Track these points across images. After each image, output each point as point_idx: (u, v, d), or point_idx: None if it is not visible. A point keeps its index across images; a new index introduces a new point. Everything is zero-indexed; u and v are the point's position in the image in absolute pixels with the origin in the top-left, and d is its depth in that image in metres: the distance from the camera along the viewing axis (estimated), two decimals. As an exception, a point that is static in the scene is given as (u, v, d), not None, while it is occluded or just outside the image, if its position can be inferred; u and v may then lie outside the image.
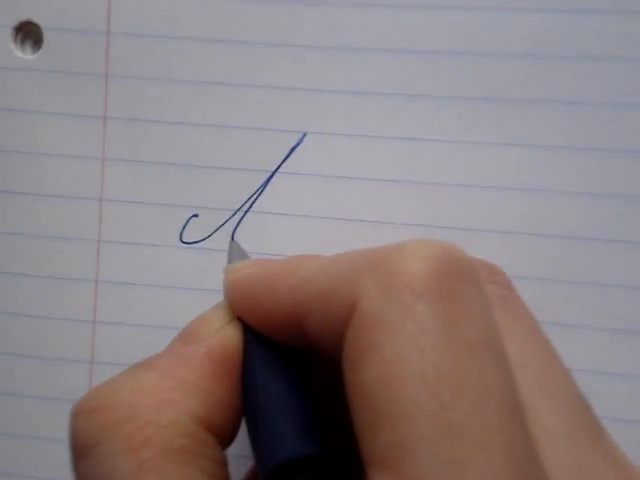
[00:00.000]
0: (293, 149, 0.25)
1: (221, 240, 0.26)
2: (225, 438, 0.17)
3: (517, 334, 0.17)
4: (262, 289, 0.18)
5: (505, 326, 0.16)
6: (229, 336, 0.19)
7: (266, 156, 0.25)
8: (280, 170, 0.25)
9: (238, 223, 0.25)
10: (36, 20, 0.26)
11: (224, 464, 0.17)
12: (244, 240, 0.25)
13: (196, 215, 0.26)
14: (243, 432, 0.18)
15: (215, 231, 0.26)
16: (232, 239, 0.24)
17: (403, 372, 0.14)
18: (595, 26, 0.24)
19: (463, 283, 0.15)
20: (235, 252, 0.22)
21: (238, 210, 0.25)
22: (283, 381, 0.18)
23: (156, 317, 0.26)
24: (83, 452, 0.16)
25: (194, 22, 0.25)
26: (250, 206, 0.25)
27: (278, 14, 0.25)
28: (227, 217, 0.26)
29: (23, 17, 0.26)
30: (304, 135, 0.25)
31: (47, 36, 0.26)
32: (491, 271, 0.20)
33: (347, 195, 0.25)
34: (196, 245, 0.26)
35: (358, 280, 0.15)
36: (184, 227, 0.26)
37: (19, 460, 0.26)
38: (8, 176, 0.26)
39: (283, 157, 0.25)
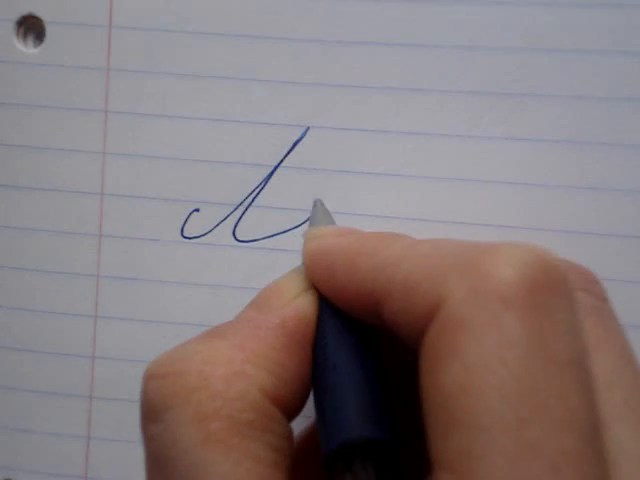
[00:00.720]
0: (296, 143, 0.25)
1: (222, 235, 0.25)
2: (292, 411, 0.17)
3: (607, 350, 0.16)
4: (343, 263, 0.18)
5: (595, 340, 0.16)
6: (304, 306, 0.18)
7: (268, 150, 0.25)
8: (282, 164, 0.25)
9: (240, 218, 0.25)
10: (38, 14, 0.26)
11: (289, 438, 0.17)
12: (244, 235, 0.25)
13: (197, 210, 0.26)
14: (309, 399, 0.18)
15: (216, 226, 0.25)
16: (318, 199, 0.23)
17: (483, 382, 0.13)
18: (599, 20, 0.24)
19: (555, 295, 0.14)
20: (319, 213, 0.22)
21: (240, 205, 0.25)
22: (355, 359, 0.17)
23: (157, 312, 0.26)
24: (153, 415, 0.16)
25: (196, 16, 0.25)
26: (252, 201, 0.25)
27: (280, 8, 0.25)
28: (229, 212, 0.25)
29: (25, 11, 0.26)
30: (307, 129, 0.25)
31: (49, 30, 0.26)
32: (586, 279, 0.19)
33: (350, 189, 0.25)
34: (197, 240, 0.26)
35: (446, 278, 0.15)
36: (185, 222, 0.26)
37: (20, 454, 0.26)
38: (9, 170, 0.26)
39: (285, 151, 0.25)
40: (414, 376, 0.18)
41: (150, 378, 0.17)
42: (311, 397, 0.18)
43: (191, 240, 0.26)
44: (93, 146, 0.26)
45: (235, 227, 0.25)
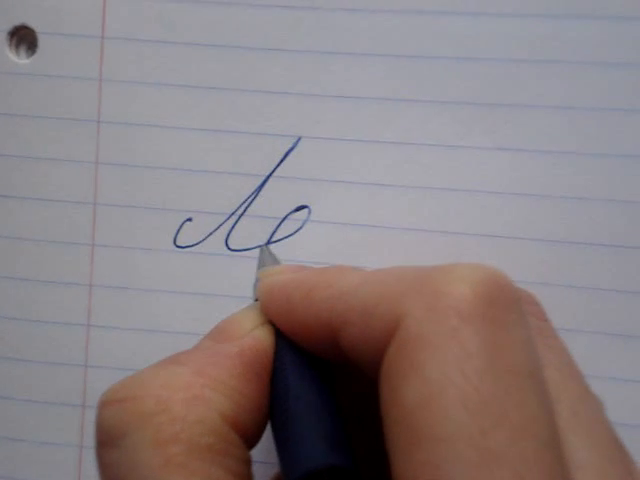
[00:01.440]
0: (287, 153, 0.25)
1: (215, 244, 0.26)
2: (251, 439, 0.17)
3: (552, 366, 0.17)
4: (298, 297, 0.18)
5: (542, 357, 0.16)
6: (261, 338, 0.19)
7: (260, 160, 0.25)
8: (274, 174, 0.25)
9: (232, 227, 0.25)
10: (31, 24, 0.26)
11: (248, 464, 0.17)
12: (237, 244, 0.25)
13: (190, 219, 0.26)
14: (266, 439, 0.18)
15: (209, 235, 0.26)
16: (264, 244, 0.25)
17: (445, 394, 0.14)
18: (589, 31, 0.24)
19: (510, 311, 0.15)
20: (267, 257, 0.23)
21: (232, 214, 0.26)
22: (313, 389, 0.18)
23: (150, 321, 0.26)
24: (110, 441, 0.16)
25: (188, 27, 0.25)
26: (244, 210, 0.25)
27: (272, 19, 0.25)
28: (221, 221, 0.26)
29: (18, 21, 0.26)
30: (298, 139, 0.25)
31: (42, 40, 0.26)
32: (528, 301, 0.19)
33: (341, 199, 0.25)
34: (190, 249, 0.26)
35: (403, 298, 0.15)
36: (178, 231, 0.26)
37: (12, 463, 0.26)
38: (2, 180, 0.26)
39: (277, 161, 0.25)
40: (368, 406, 0.18)
41: (105, 404, 0.17)
42: (268, 430, 0.18)
43: (184, 249, 0.26)
44: (86, 156, 0.26)
45: (227, 236, 0.26)
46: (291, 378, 0.18)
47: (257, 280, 0.21)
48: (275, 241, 0.25)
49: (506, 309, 0.15)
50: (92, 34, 0.26)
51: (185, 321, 0.26)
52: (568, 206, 0.24)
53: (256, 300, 0.21)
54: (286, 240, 0.25)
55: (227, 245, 0.26)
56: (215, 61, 0.25)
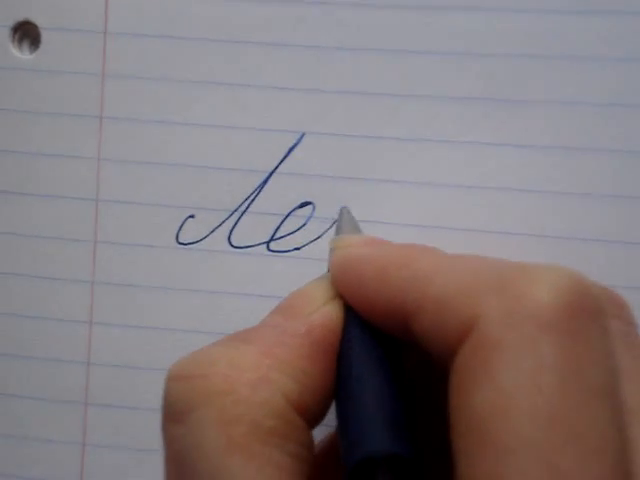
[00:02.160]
0: (291, 149, 0.25)
1: (218, 241, 0.25)
2: (314, 419, 0.17)
3: (635, 375, 0.16)
4: (372, 274, 0.18)
5: (624, 366, 0.16)
6: (330, 315, 0.18)
7: (264, 156, 0.25)
8: (277, 171, 0.25)
9: (235, 224, 0.25)
10: (34, 20, 0.26)
11: (310, 446, 0.17)
12: (239, 241, 0.25)
13: (193, 216, 0.26)
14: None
15: (212, 232, 0.25)
16: (344, 207, 0.23)
17: (516, 406, 0.13)
18: (593, 27, 0.24)
19: (591, 321, 0.14)
20: (345, 221, 0.22)
21: (235, 211, 0.25)
22: (380, 371, 0.17)
23: (153, 318, 0.26)
24: (176, 416, 0.17)
25: (192, 22, 0.25)
26: (247, 207, 0.25)
27: (276, 14, 0.25)
28: (224, 218, 0.25)
29: (21, 17, 0.26)
30: (302, 135, 0.25)
31: (45, 36, 0.26)
32: (615, 303, 0.19)
33: (345, 196, 0.25)
34: (193, 246, 0.26)
35: (480, 297, 0.15)
36: (180, 228, 0.26)
37: (15, 461, 0.26)
38: (4, 176, 0.26)
39: (281, 158, 0.25)
40: (437, 392, 0.18)
41: (173, 379, 0.17)
42: (332, 407, 0.18)
43: (186, 246, 0.26)
44: (88, 152, 0.26)
45: (230, 233, 0.25)
46: (356, 359, 0.18)
47: (331, 248, 0.20)
48: (278, 238, 0.25)
49: (588, 319, 0.14)
50: (95, 29, 0.26)
51: (187, 318, 0.25)
52: (574, 202, 0.24)
53: (329, 270, 0.20)
54: (290, 236, 0.25)
55: (230, 242, 0.25)
56: (218, 56, 0.25)
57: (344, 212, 0.22)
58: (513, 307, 0.14)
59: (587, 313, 0.14)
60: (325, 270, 0.21)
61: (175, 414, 0.17)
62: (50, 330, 0.26)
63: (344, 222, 0.22)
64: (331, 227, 0.25)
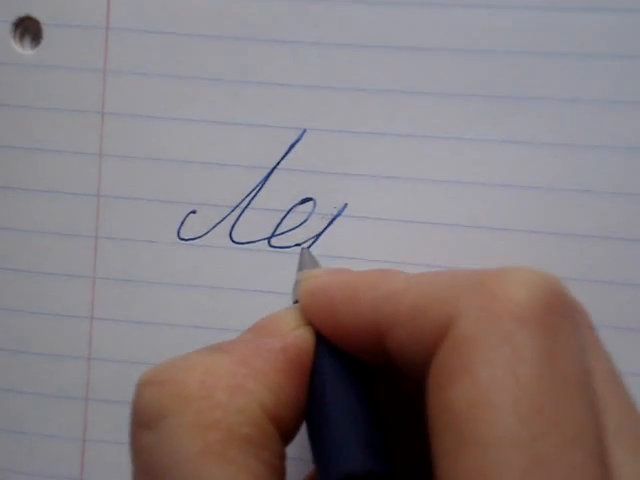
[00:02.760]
0: (292, 145, 0.25)
1: (219, 237, 0.25)
2: (287, 434, 0.17)
3: (599, 377, 0.16)
4: (342, 299, 0.18)
5: (590, 362, 0.16)
6: (303, 338, 0.18)
7: (265, 152, 0.25)
8: (279, 167, 0.25)
9: (237, 220, 0.25)
10: (35, 15, 0.26)
11: (283, 458, 0.17)
12: (241, 237, 0.25)
13: (194, 212, 0.26)
14: (299, 436, 0.18)
15: (213, 228, 0.25)
16: (304, 247, 0.25)
17: (496, 398, 0.13)
18: (594, 23, 0.24)
19: (565, 319, 0.15)
20: (306, 259, 0.23)
21: (237, 207, 0.25)
22: (351, 393, 0.18)
23: (154, 313, 0.26)
24: (147, 422, 0.16)
25: (193, 18, 0.25)
26: (249, 203, 0.25)
27: (278, 10, 0.25)
28: (225, 214, 0.25)
29: (22, 12, 0.26)
30: (303, 131, 0.25)
31: (46, 31, 0.26)
32: (579, 308, 0.19)
33: (346, 192, 0.25)
34: (194, 242, 0.26)
35: (457, 299, 0.15)
36: (182, 223, 0.26)
37: (16, 456, 0.26)
38: (6, 171, 0.26)
39: (282, 154, 0.25)
40: (407, 408, 0.18)
41: (146, 385, 0.17)
42: (303, 430, 0.18)
43: (188, 242, 0.26)
44: (90, 147, 0.26)
45: (232, 229, 0.25)
46: (329, 381, 0.18)
47: (297, 282, 0.21)
48: (279, 234, 0.25)
49: (561, 316, 0.15)
50: (97, 25, 0.26)
51: (189, 314, 0.25)
52: (574, 199, 0.24)
53: (295, 302, 0.21)
54: (291, 232, 0.25)
55: (231, 238, 0.25)
56: (220, 52, 0.25)
57: (304, 252, 0.23)
58: (489, 304, 0.15)
59: (561, 310, 0.15)
60: (291, 302, 0.22)
61: (146, 420, 0.16)
62: (51, 325, 0.26)
63: (305, 260, 0.23)
64: (331, 223, 0.25)
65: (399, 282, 0.17)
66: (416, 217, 0.25)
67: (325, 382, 0.18)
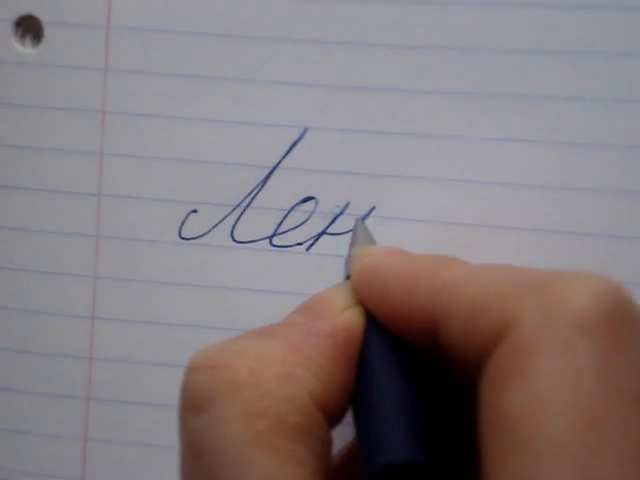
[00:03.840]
0: (294, 144, 0.25)
1: (220, 236, 0.25)
2: (334, 420, 0.17)
3: None
4: (398, 283, 0.18)
5: None
6: (353, 320, 0.18)
7: (266, 151, 0.25)
8: (280, 166, 0.25)
9: (238, 219, 0.25)
10: (36, 14, 0.26)
11: (329, 445, 0.17)
12: (242, 236, 0.25)
13: (195, 211, 0.25)
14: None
15: (214, 227, 0.25)
16: (359, 219, 0.23)
17: (553, 408, 0.13)
18: (598, 22, 0.24)
19: (627, 327, 0.15)
20: (361, 233, 0.22)
21: (238, 206, 0.25)
22: (401, 380, 0.17)
23: (155, 313, 0.26)
24: (197, 407, 0.16)
25: (194, 17, 0.25)
26: (250, 202, 0.25)
27: (279, 9, 0.25)
28: (227, 213, 0.25)
29: (23, 11, 0.26)
30: (305, 130, 0.25)
31: (47, 30, 0.26)
32: None
33: (348, 191, 0.25)
34: (195, 241, 0.25)
35: (517, 300, 0.15)
36: (183, 223, 0.26)
37: (17, 456, 0.26)
38: (6, 170, 0.26)
39: (284, 153, 0.25)
40: (456, 398, 0.18)
41: (196, 369, 0.17)
42: (349, 413, 0.18)
43: (189, 241, 0.26)
44: (91, 147, 0.26)
45: (233, 228, 0.25)
46: (377, 366, 0.18)
47: (349, 257, 0.20)
48: (281, 233, 0.25)
49: (625, 327, 0.14)
50: (98, 24, 0.26)
51: (190, 313, 0.25)
52: (578, 197, 0.24)
53: (347, 278, 0.20)
54: (292, 232, 0.25)
55: (232, 237, 0.25)
56: (221, 51, 0.25)
57: (359, 224, 0.22)
58: (552, 310, 0.14)
59: (624, 320, 0.15)
60: (341, 275, 0.21)
61: (195, 404, 0.16)
62: (52, 325, 0.26)
63: (360, 233, 0.22)
64: (333, 222, 0.25)
65: (459, 272, 0.17)
66: (417, 216, 0.24)
67: (373, 367, 0.18)
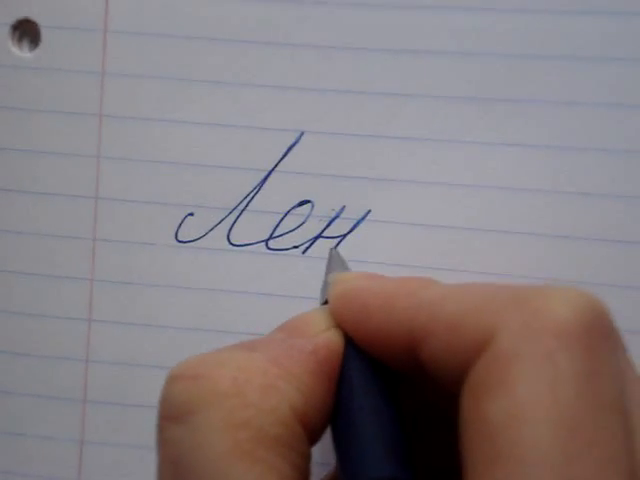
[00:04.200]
0: (290, 148, 0.25)
1: (217, 239, 0.25)
2: (313, 436, 0.17)
3: (633, 401, 0.16)
4: (376, 305, 0.18)
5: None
6: (333, 339, 0.18)
7: (263, 155, 0.25)
8: (277, 169, 0.25)
9: (234, 222, 0.25)
10: (34, 18, 0.26)
11: (309, 459, 0.17)
12: (238, 239, 0.25)
13: (192, 214, 0.26)
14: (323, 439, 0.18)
15: (211, 230, 0.25)
16: (333, 248, 0.24)
17: (533, 416, 0.13)
18: (591, 27, 0.24)
19: (606, 341, 0.15)
20: (335, 261, 0.22)
21: (234, 209, 0.25)
22: (378, 398, 0.18)
23: (151, 316, 0.26)
24: (177, 417, 0.16)
25: (191, 20, 0.25)
26: (246, 205, 0.25)
27: (276, 13, 0.25)
28: (223, 216, 0.25)
29: (21, 15, 0.26)
30: (301, 134, 0.25)
31: (45, 34, 0.26)
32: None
33: (343, 194, 0.25)
34: (192, 244, 0.26)
35: (499, 312, 0.15)
36: (180, 226, 0.26)
37: (14, 458, 0.26)
38: (4, 174, 0.26)
39: (280, 156, 0.25)
40: (433, 416, 0.18)
41: (177, 378, 0.17)
42: (328, 433, 0.18)
43: (185, 244, 0.26)
44: (88, 150, 0.26)
45: (229, 231, 0.25)
46: (356, 386, 0.18)
47: (326, 283, 0.21)
48: (277, 236, 0.25)
49: (603, 338, 0.15)
50: (95, 28, 0.26)
51: (186, 316, 0.26)
52: (571, 201, 0.24)
53: (324, 303, 0.20)
54: (288, 235, 0.25)
55: (229, 240, 0.25)
56: (218, 55, 0.25)
57: (333, 252, 0.23)
58: (532, 321, 0.15)
59: (602, 331, 0.15)
60: (318, 303, 0.22)
61: (176, 414, 0.16)
62: (49, 328, 0.26)
63: (334, 261, 0.22)
64: (329, 225, 0.25)
65: (436, 291, 0.17)
66: (413, 220, 0.25)
67: (352, 386, 0.18)
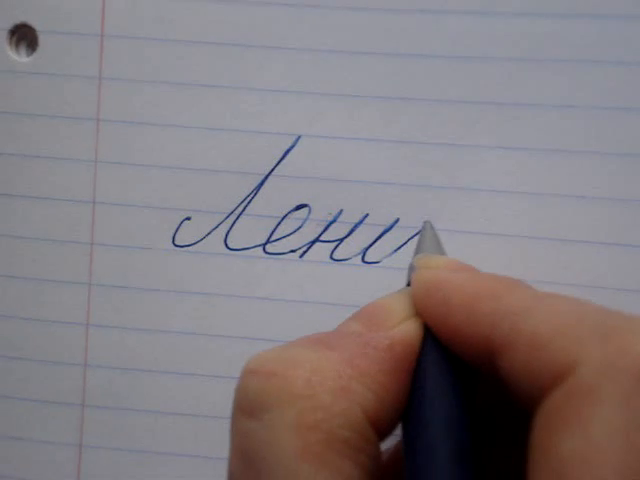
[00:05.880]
0: (287, 152, 0.25)
1: (214, 243, 0.25)
2: (384, 434, 0.17)
3: None
4: (460, 302, 0.17)
5: None
6: (411, 332, 0.18)
7: (260, 159, 0.25)
8: (274, 173, 0.25)
9: (231, 226, 0.25)
10: (31, 23, 0.26)
11: (378, 460, 0.17)
12: (236, 243, 0.25)
13: (189, 218, 0.26)
14: None
15: (208, 234, 0.25)
16: (427, 221, 0.21)
17: (605, 458, 0.13)
18: (590, 30, 0.24)
19: None
20: (429, 238, 0.21)
21: (231, 213, 0.25)
22: (453, 399, 0.17)
23: (149, 320, 0.26)
24: (251, 411, 0.16)
25: (188, 25, 0.25)
26: (243, 209, 0.25)
27: (272, 17, 0.25)
28: (220, 220, 0.25)
29: (18, 20, 0.26)
30: (298, 138, 0.25)
31: (42, 39, 0.26)
32: None
33: (340, 198, 0.25)
34: (189, 248, 0.26)
35: (582, 343, 0.15)
36: (177, 230, 0.26)
37: (11, 462, 0.26)
38: (1, 178, 0.26)
39: (277, 160, 0.25)
40: (506, 425, 0.18)
41: (253, 373, 0.17)
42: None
43: (183, 248, 0.26)
44: (85, 154, 0.26)
45: (227, 235, 0.25)
46: (431, 383, 0.17)
47: (413, 264, 0.20)
48: (274, 240, 0.25)
49: None
50: (92, 32, 0.26)
51: (184, 320, 0.26)
52: (570, 204, 0.24)
53: (408, 284, 0.20)
54: (285, 239, 0.25)
55: (226, 244, 0.25)
56: (215, 59, 0.25)
57: (427, 227, 0.21)
58: (615, 358, 0.14)
59: None
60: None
61: (250, 408, 0.16)
62: (47, 332, 0.26)
63: (427, 239, 0.21)
64: (326, 229, 0.25)
65: (524, 299, 0.16)
66: (408, 223, 0.25)
67: (427, 383, 0.17)
